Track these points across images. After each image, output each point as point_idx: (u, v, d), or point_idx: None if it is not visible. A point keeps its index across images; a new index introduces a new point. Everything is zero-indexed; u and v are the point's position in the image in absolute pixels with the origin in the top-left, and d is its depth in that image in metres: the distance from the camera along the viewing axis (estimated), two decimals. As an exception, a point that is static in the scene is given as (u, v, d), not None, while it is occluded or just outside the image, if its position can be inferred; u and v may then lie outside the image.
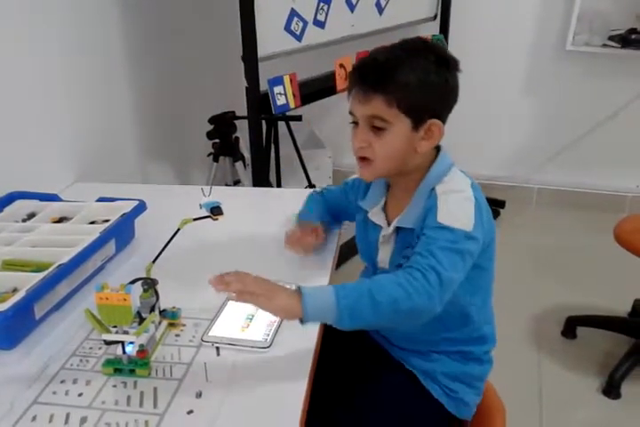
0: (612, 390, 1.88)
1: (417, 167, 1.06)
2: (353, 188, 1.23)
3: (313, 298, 0.88)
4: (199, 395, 0.87)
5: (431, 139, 1.02)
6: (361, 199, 1.18)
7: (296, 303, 0.87)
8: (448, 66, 1.00)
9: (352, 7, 2.27)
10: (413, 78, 0.97)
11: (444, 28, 2.86)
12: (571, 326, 2.17)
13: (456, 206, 1.00)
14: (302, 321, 0.88)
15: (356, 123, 1.04)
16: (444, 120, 1.03)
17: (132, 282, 0.96)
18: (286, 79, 1.95)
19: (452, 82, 1.01)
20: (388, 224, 1.11)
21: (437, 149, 1.09)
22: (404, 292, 0.88)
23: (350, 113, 1.04)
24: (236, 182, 2.40)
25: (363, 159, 1.05)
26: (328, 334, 1.05)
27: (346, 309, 0.87)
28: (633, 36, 2.67)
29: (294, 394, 0.88)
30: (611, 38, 2.73)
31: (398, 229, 1.08)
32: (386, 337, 1.17)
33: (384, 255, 1.12)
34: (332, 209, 1.29)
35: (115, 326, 0.90)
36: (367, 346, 1.18)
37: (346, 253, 2.45)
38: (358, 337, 1.17)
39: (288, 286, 0.92)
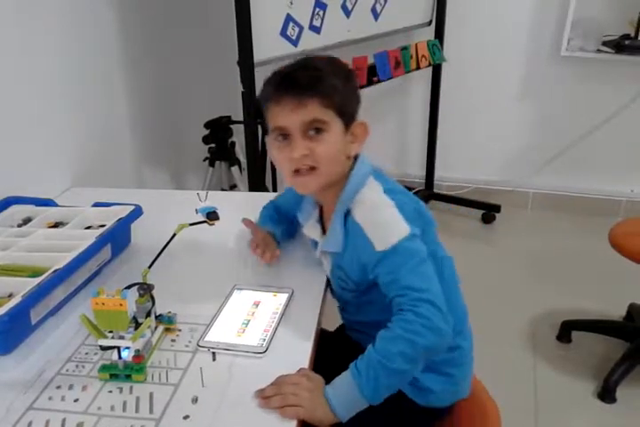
0: (607, 394, 1.88)
1: (340, 178, 1.05)
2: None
3: (343, 406, 0.88)
4: (195, 400, 0.87)
5: (357, 141, 1.05)
6: (298, 211, 1.19)
7: (331, 414, 0.87)
8: (350, 76, 1.07)
9: (348, 13, 2.28)
10: (338, 81, 1.01)
11: (439, 33, 2.87)
12: (566, 331, 2.17)
13: (383, 224, 0.99)
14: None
15: (283, 136, 1.01)
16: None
17: (128, 287, 0.97)
18: (282, 84, 1.95)
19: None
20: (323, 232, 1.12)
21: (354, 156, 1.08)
22: (407, 343, 0.88)
23: (275, 129, 1.01)
24: (232, 187, 2.40)
25: (306, 170, 1.02)
26: (323, 339, 1.05)
27: (373, 393, 0.88)
28: (626, 42, 2.69)
29: (290, 399, 0.87)
30: (604, 44, 2.75)
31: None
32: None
33: (326, 270, 1.15)
34: (286, 216, 1.29)
35: (111, 332, 0.90)
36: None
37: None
38: (354, 345, 1.17)
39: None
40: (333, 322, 1.29)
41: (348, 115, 1.02)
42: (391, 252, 0.95)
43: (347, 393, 0.88)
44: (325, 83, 0.99)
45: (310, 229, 1.15)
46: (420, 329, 0.88)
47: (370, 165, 1.07)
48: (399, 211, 0.99)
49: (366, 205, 1.02)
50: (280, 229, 1.28)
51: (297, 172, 1.02)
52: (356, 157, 1.07)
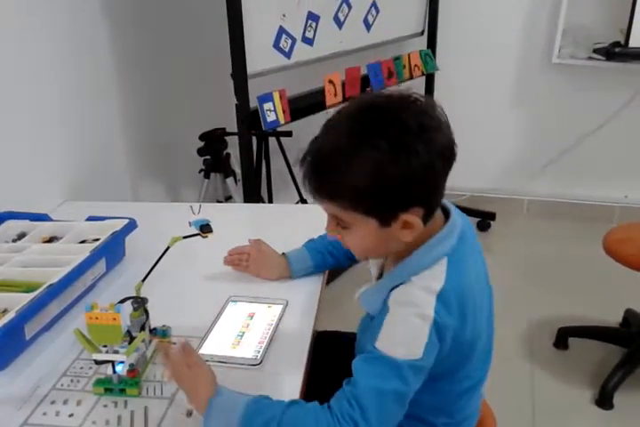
0: (604, 400, 1.88)
1: (412, 243, 0.89)
2: None
3: (217, 413, 0.82)
4: (190, 414, 0.87)
5: (412, 228, 0.85)
6: None
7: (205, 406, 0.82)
8: (409, 147, 0.80)
9: (340, 24, 2.29)
10: (363, 178, 0.80)
11: (432, 43, 2.89)
12: (562, 337, 2.18)
13: (402, 328, 0.84)
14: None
15: None
16: (428, 197, 0.86)
17: (122, 301, 0.97)
18: (276, 96, 1.97)
19: (420, 161, 0.81)
20: (379, 275, 1.02)
21: (446, 214, 0.93)
22: None
23: None
24: (228, 198, 2.40)
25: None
26: (319, 350, 1.05)
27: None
28: (617, 49, 2.72)
29: (285, 411, 0.87)
30: (595, 51, 2.78)
31: None
32: None
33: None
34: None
35: (105, 346, 0.91)
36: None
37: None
38: (350, 353, 1.17)
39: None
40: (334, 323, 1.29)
41: (384, 211, 0.83)
42: (381, 360, 0.82)
43: (228, 410, 0.82)
44: (341, 185, 0.82)
45: (372, 261, 1.04)
46: None
47: (450, 247, 0.89)
48: (431, 331, 0.83)
49: (409, 297, 0.86)
50: (316, 258, 1.21)
51: None
52: (447, 216, 0.93)
